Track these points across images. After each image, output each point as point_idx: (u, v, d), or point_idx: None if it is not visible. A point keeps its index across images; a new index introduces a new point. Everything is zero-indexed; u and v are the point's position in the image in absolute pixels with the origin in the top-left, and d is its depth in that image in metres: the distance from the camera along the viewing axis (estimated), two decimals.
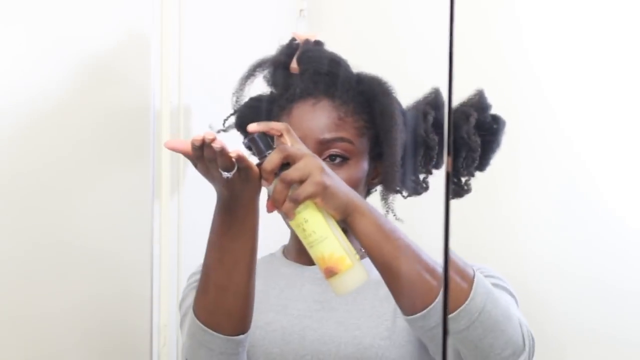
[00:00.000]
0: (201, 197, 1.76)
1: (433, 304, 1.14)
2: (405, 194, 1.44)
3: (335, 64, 1.41)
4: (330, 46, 1.45)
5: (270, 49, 1.48)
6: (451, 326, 1.15)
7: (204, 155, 1.13)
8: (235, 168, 1.13)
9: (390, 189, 1.41)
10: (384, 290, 1.32)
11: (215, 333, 1.23)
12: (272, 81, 1.45)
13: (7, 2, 1.46)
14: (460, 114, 1.40)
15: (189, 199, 1.77)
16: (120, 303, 1.65)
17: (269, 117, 1.39)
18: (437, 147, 1.40)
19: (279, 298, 1.38)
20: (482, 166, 1.44)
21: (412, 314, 1.16)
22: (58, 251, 1.54)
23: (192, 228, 1.76)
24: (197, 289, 1.26)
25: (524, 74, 1.89)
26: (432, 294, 1.15)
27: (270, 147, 1.16)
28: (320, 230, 1.14)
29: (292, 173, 1.13)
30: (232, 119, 1.50)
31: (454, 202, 1.36)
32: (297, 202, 1.13)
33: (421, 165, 1.41)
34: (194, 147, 1.12)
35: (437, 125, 1.40)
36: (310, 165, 1.14)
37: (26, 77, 1.49)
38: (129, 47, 1.66)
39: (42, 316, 1.52)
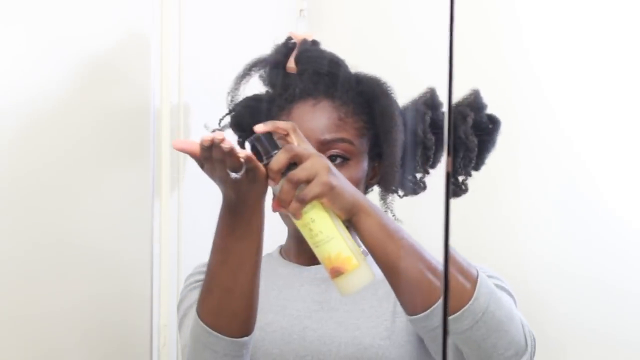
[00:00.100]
0: (201, 197, 1.77)
1: (436, 304, 1.14)
2: (401, 193, 1.44)
3: (335, 64, 1.40)
4: (330, 46, 1.44)
5: (270, 49, 1.48)
6: (454, 326, 1.15)
7: (212, 156, 1.12)
8: (244, 169, 1.13)
9: (389, 189, 1.41)
10: (383, 290, 1.32)
11: (219, 335, 1.22)
12: (268, 81, 1.45)
13: (7, 2, 1.46)
14: (457, 114, 1.40)
15: (189, 198, 1.77)
16: (120, 303, 1.65)
17: (268, 117, 1.39)
18: (434, 147, 1.40)
19: (277, 299, 1.38)
20: (477, 165, 1.44)
21: (415, 314, 1.16)
22: (58, 251, 1.54)
23: (192, 227, 1.77)
24: (200, 291, 1.25)
25: (523, 73, 1.89)
26: (435, 294, 1.15)
27: (276, 146, 1.16)
28: (327, 230, 1.14)
29: (299, 173, 1.13)
30: (227, 119, 1.50)
31: (453, 202, 1.36)
32: (304, 201, 1.13)
33: (418, 165, 1.41)
34: (202, 147, 1.12)
35: (434, 125, 1.40)
36: (317, 165, 1.13)
37: (27, 76, 1.49)
38: (129, 47, 1.66)
39: (41, 316, 1.52)
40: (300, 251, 1.41)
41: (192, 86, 1.77)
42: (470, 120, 1.40)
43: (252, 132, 1.18)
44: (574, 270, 1.85)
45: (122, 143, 1.66)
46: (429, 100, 1.41)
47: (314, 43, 1.44)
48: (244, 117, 1.44)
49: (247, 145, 1.36)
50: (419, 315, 1.16)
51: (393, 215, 1.42)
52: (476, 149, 1.41)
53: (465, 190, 1.44)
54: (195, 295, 1.35)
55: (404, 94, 1.42)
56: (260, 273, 1.23)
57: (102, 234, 1.61)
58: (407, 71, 1.66)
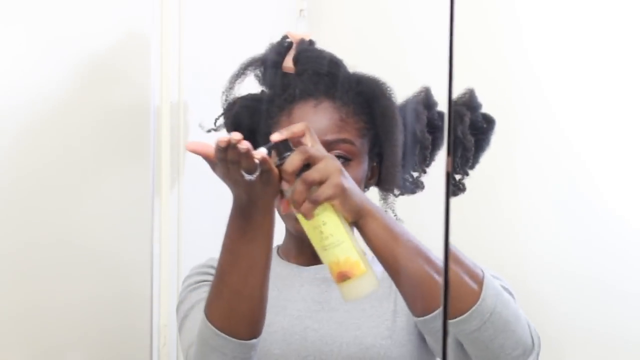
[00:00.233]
0: (201, 196, 1.77)
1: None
2: (396, 192, 1.44)
3: (335, 64, 1.40)
4: (330, 46, 1.44)
5: (265, 48, 1.47)
6: (462, 327, 1.15)
7: (228, 157, 1.11)
8: (258, 170, 1.12)
9: (391, 189, 1.41)
10: (383, 290, 1.32)
11: (228, 337, 1.21)
12: (264, 80, 1.44)
13: (7, 2, 1.46)
14: (454, 114, 1.40)
15: (189, 198, 1.77)
16: (120, 303, 1.65)
17: (267, 117, 1.39)
18: (431, 147, 1.40)
19: (277, 299, 1.38)
20: (472, 165, 1.44)
21: (422, 316, 1.17)
22: (58, 250, 1.54)
23: (192, 227, 1.77)
24: (209, 293, 1.24)
25: (523, 73, 1.89)
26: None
27: (289, 148, 1.15)
28: (338, 234, 1.14)
29: (312, 174, 1.12)
30: (223, 118, 1.49)
31: (453, 202, 1.36)
32: (317, 203, 1.12)
33: (416, 164, 1.42)
34: (219, 148, 1.10)
35: (430, 124, 1.40)
36: (331, 166, 1.13)
37: (27, 76, 1.49)
38: (129, 46, 1.66)
39: (41, 316, 1.52)
40: (300, 252, 1.41)
41: (192, 85, 1.77)
42: (467, 120, 1.40)
43: (252, 135, 1.17)
44: (574, 270, 1.85)
45: (122, 142, 1.66)
46: (425, 100, 1.41)
47: (311, 43, 1.44)
48: (242, 117, 1.43)
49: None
50: (427, 317, 1.16)
51: (395, 215, 1.42)
52: (473, 148, 1.41)
53: (464, 190, 1.44)
54: (195, 296, 1.35)
55: (404, 94, 1.42)
56: (269, 275, 1.23)
57: (102, 234, 1.61)
58: (407, 71, 1.66)
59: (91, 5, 1.59)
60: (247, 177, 1.12)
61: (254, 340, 1.23)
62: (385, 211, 1.42)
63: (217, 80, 1.47)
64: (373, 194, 1.45)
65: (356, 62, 1.43)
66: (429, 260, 1.16)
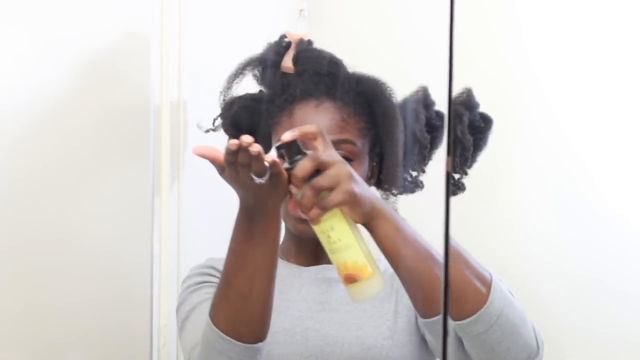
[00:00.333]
0: (201, 196, 1.77)
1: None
2: (395, 191, 1.44)
3: (335, 64, 1.40)
4: (330, 46, 1.44)
5: (263, 48, 1.47)
6: (469, 329, 1.15)
7: (238, 160, 1.10)
8: (268, 174, 1.11)
9: (391, 189, 1.41)
10: (385, 290, 1.32)
11: (234, 341, 1.20)
12: (263, 80, 1.43)
13: (7, 2, 1.46)
14: (453, 114, 1.39)
15: (189, 198, 1.77)
16: (120, 303, 1.65)
17: (267, 118, 1.38)
18: (430, 146, 1.40)
19: (278, 300, 1.37)
20: (470, 164, 1.44)
21: (427, 317, 1.18)
22: (58, 250, 1.54)
23: (192, 227, 1.77)
24: (214, 296, 1.23)
25: (523, 73, 1.89)
26: None
27: (300, 152, 1.14)
28: (346, 238, 1.14)
29: (322, 181, 1.12)
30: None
31: (453, 202, 1.36)
32: (325, 209, 1.12)
33: (416, 164, 1.42)
34: (229, 151, 1.09)
35: (428, 124, 1.40)
36: (341, 173, 1.13)
37: (27, 75, 1.49)
38: (129, 46, 1.66)
39: (41, 316, 1.52)
40: (300, 252, 1.41)
41: (192, 85, 1.77)
42: (466, 120, 1.40)
43: (252, 134, 1.16)
44: (574, 270, 1.85)
45: (121, 142, 1.66)
46: (423, 99, 1.41)
47: (310, 43, 1.43)
48: (241, 117, 1.43)
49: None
50: (435, 319, 1.17)
51: None
52: (471, 148, 1.41)
53: (463, 189, 1.44)
54: (196, 297, 1.34)
55: (404, 93, 1.42)
56: (275, 278, 1.22)
57: (101, 234, 1.61)
58: (407, 71, 1.66)
59: (91, 5, 1.59)
60: (257, 180, 1.11)
61: (259, 344, 1.22)
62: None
63: (217, 80, 1.46)
64: None
65: (356, 62, 1.43)
66: (437, 263, 1.16)
